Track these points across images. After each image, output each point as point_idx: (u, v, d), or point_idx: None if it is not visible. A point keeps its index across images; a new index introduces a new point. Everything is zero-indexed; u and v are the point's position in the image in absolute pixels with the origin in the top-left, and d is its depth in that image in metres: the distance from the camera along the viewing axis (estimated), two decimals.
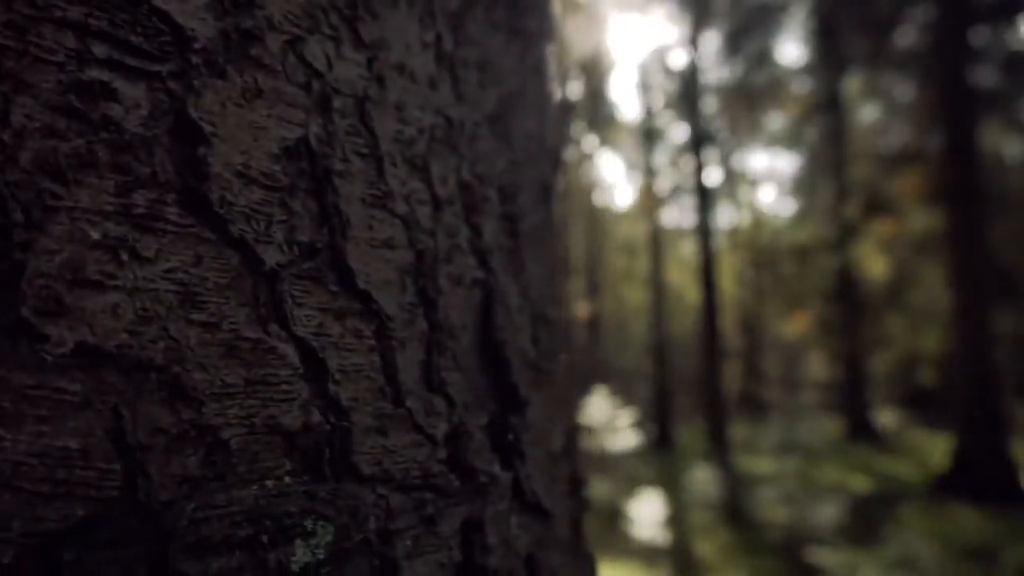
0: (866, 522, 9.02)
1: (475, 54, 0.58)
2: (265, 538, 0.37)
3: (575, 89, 24.94)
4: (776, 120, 22.36)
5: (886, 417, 18.78)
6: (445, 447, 0.49)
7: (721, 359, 14.21)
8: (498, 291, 0.56)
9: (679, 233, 26.34)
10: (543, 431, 0.60)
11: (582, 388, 16.97)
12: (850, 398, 17.98)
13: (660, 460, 14.60)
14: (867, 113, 19.95)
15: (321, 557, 0.38)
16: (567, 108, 24.36)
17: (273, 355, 0.40)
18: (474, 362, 0.53)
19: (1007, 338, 17.10)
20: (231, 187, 0.39)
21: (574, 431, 0.75)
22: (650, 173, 17.38)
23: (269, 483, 0.38)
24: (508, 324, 0.57)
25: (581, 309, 25.79)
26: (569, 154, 26.29)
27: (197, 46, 0.38)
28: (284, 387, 0.40)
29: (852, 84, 18.72)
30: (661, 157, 28.01)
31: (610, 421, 11.55)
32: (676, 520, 10.16)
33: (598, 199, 29.52)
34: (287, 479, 0.39)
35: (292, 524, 0.38)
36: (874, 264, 20.95)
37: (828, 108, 17.87)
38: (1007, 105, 14.82)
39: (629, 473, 13.09)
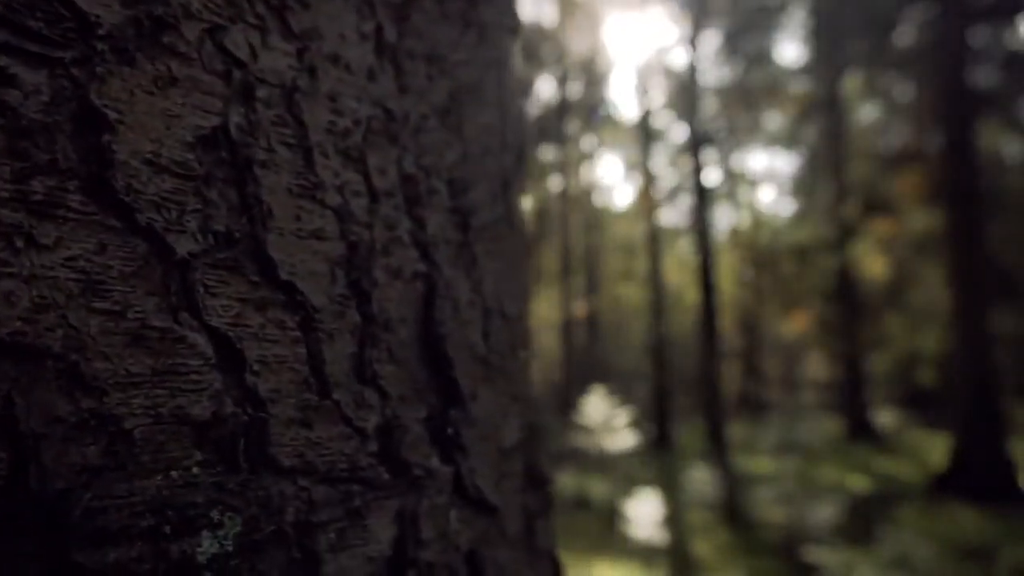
0: (864, 522, 9.01)
1: (422, 46, 0.58)
2: (168, 528, 0.36)
3: (574, 89, 24.95)
4: (775, 120, 22.34)
5: (886, 417, 18.76)
6: (376, 440, 0.48)
7: (720, 359, 14.19)
8: (441, 285, 0.56)
9: (678, 233, 26.34)
10: (492, 426, 0.59)
11: (581, 388, 16.95)
12: (849, 398, 17.97)
13: (659, 460, 14.59)
14: (866, 113, 19.96)
15: (230, 548, 0.38)
16: (566, 108, 24.36)
17: (183, 344, 0.39)
18: (414, 355, 0.53)
19: (1007, 338, 17.08)
20: (139, 175, 0.38)
21: (533, 427, 0.74)
22: (649, 173, 17.36)
23: (175, 473, 0.37)
24: (451, 318, 0.56)
25: (580, 309, 25.77)
26: (568, 154, 26.28)
27: (102, 32, 0.37)
28: (194, 377, 0.40)
29: (851, 84, 18.72)
30: (660, 157, 28.02)
31: (608, 421, 11.52)
32: (674, 520, 10.15)
33: (597, 199, 29.52)
34: (195, 470, 0.38)
35: (197, 515, 0.37)
36: (873, 264, 20.94)
37: (827, 108, 17.86)
38: (1006, 105, 14.79)
39: (627, 473, 13.07)
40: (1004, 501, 10.30)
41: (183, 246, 0.40)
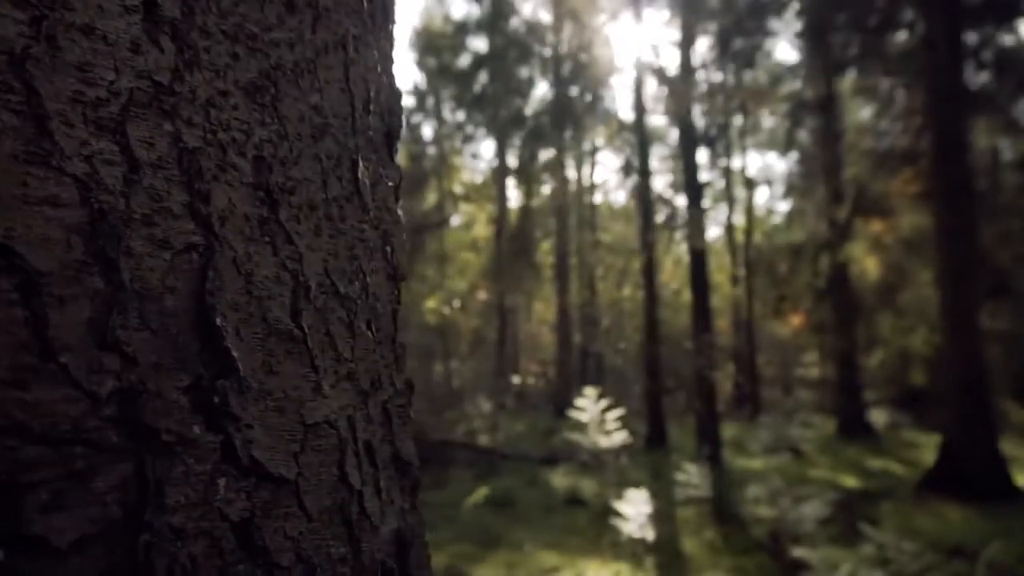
0: (852, 519, 9.02)
1: (226, 24, 0.59)
2: None
3: (571, 88, 24.98)
4: (770, 120, 22.36)
5: (879, 416, 18.78)
6: (114, 405, 0.49)
7: (713, 358, 14.20)
8: (224, 258, 0.57)
9: (675, 232, 26.34)
10: (295, 400, 0.60)
11: (578, 387, 16.95)
12: (843, 397, 17.99)
13: (652, 458, 14.62)
14: (859, 113, 19.96)
15: None
16: (563, 107, 24.38)
17: None
18: (182, 325, 0.53)
19: (1002, 336, 17.08)
20: None
21: (398, 410, 0.75)
22: (644, 173, 17.36)
23: None
24: (239, 292, 0.57)
25: (576, 308, 25.78)
26: (564, 153, 26.30)
27: None
28: None
29: (844, 84, 18.73)
30: (656, 157, 28.02)
31: (600, 420, 11.54)
32: (665, 517, 10.18)
33: (594, 198, 29.55)
34: None
35: None
36: (867, 264, 20.93)
37: (820, 108, 17.88)
38: (998, 104, 14.79)
39: (620, 471, 13.10)
40: (994, 499, 10.31)
41: None
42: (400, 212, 0.84)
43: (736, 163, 26.64)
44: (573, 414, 11.96)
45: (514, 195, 28.48)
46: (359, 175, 0.69)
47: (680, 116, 14.38)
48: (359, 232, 0.69)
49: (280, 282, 0.60)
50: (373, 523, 0.65)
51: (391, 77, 0.81)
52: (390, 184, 0.79)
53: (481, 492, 10.90)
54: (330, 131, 0.66)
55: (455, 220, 31.17)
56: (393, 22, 0.82)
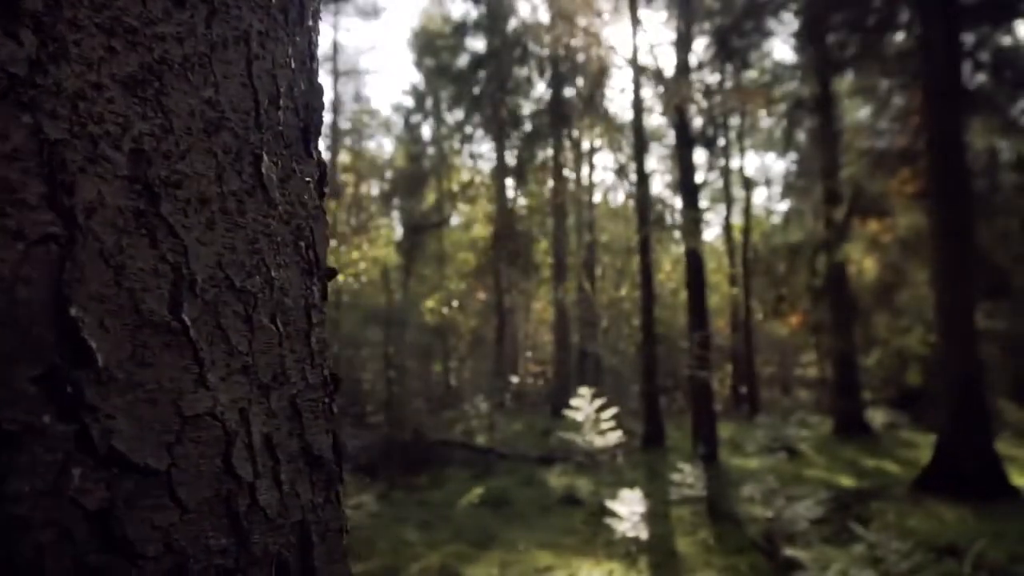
0: (845, 518, 9.02)
1: (100, 18, 0.60)
2: None
3: (569, 88, 24.97)
4: (768, 120, 22.34)
5: (877, 416, 18.76)
6: None
7: (708, 358, 14.20)
8: (86, 249, 0.57)
9: (674, 232, 26.32)
10: (170, 392, 0.60)
11: (575, 387, 16.93)
12: (841, 397, 17.98)
13: (649, 458, 14.62)
14: (857, 113, 19.94)
15: None
16: (560, 106, 24.36)
17: None
18: (36, 315, 0.54)
19: (1000, 336, 17.05)
20: None
21: (309, 404, 0.75)
22: (641, 173, 17.36)
23: None
24: (106, 283, 0.57)
25: (574, 308, 25.76)
26: (563, 152, 26.27)
27: None
28: None
29: (842, 84, 18.71)
30: (655, 156, 27.99)
31: (595, 420, 11.56)
32: (660, 517, 10.18)
33: (592, 198, 29.52)
34: None
35: None
36: (865, 264, 20.91)
37: (817, 108, 17.86)
38: (996, 104, 14.76)
39: (616, 471, 13.11)
40: (989, 498, 10.30)
41: None
42: (320, 206, 0.85)
43: (735, 163, 26.64)
44: (568, 414, 11.98)
45: (513, 195, 28.46)
46: (263, 170, 0.70)
47: (675, 116, 14.37)
48: (263, 226, 0.70)
49: (158, 274, 0.61)
50: (269, 515, 0.66)
51: (310, 73, 0.82)
52: (307, 180, 0.80)
53: (476, 492, 10.91)
54: (227, 125, 0.67)
55: (454, 220, 31.18)
56: (312, 19, 0.83)
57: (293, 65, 0.77)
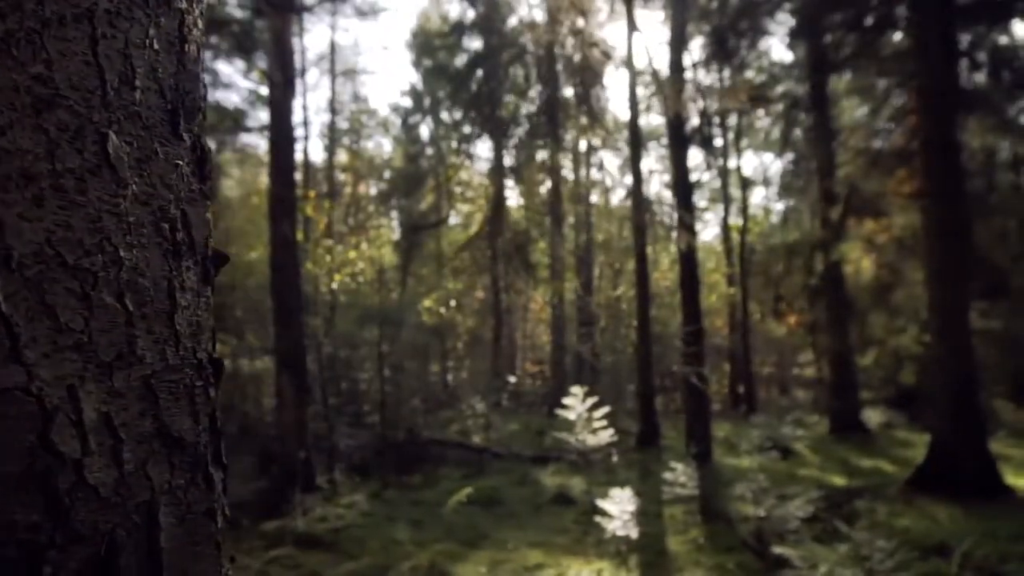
0: (836, 518, 9.02)
1: None
2: None
3: (567, 89, 24.97)
4: (765, 120, 22.33)
5: (874, 415, 18.74)
6: None
7: (703, 357, 14.19)
8: None
9: (672, 232, 26.32)
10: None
11: (569, 387, 16.90)
12: (837, 396, 17.96)
13: (643, 457, 14.62)
14: (855, 112, 19.92)
15: None
16: (557, 106, 24.38)
17: None
18: None
19: (997, 336, 17.03)
20: None
21: (162, 389, 0.75)
22: (637, 172, 17.36)
23: None
24: None
25: (571, 307, 25.76)
26: (560, 152, 26.28)
27: None
28: None
29: (840, 83, 18.69)
30: (653, 156, 28.02)
31: (588, 419, 11.55)
32: (652, 516, 10.18)
33: (591, 198, 29.52)
34: None
35: None
36: (862, 263, 20.90)
37: (813, 107, 17.85)
38: (992, 104, 14.73)
39: (610, 470, 13.10)
40: (982, 498, 10.28)
41: None
42: (200, 190, 0.85)
43: (733, 163, 26.62)
44: (561, 413, 11.98)
45: (511, 194, 28.47)
46: (110, 149, 0.70)
47: (669, 116, 14.36)
48: (110, 206, 0.70)
49: None
50: (102, 494, 0.65)
51: (182, 55, 0.82)
52: (176, 162, 0.79)
53: (468, 491, 10.91)
54: (64, 103, 0.66)
55: (452, 219, 31.18)
56: (186, 1, 0.83)
57: (156, 46, 0.77)
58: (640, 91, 18.99)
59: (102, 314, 0.68)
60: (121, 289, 0.70)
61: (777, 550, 7.76)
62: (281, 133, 12.45)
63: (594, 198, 30.11)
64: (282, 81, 12.12)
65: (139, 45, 0.75)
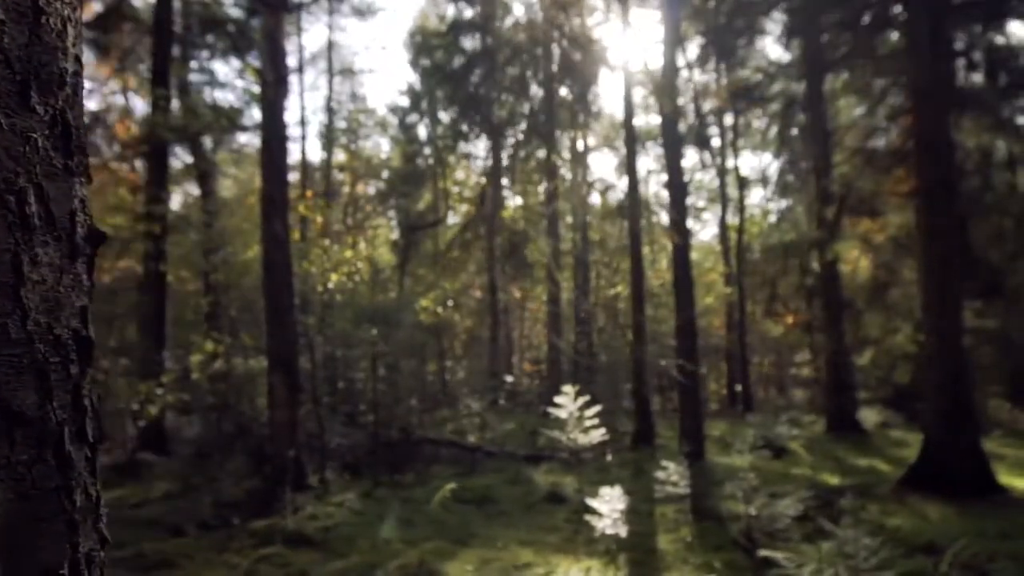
0: (826, 516, 8.99)
1: None
2: None
3: (563, 89, 24.97)
4: (762, 120, 22.27)
5: (870, 414, 18.72)
6: None
7: (697, 357, 14.16)
8: None
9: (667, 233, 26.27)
10: None
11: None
12: (833, 395, 17.94)
13: (637, 456, 14.61)
14: (851, 111, 19.89)
15: None
16: (555, 106, 24.37)
17: None
18: None
19: (993, 335, 16.99)
20: None
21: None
22: (632, 172, 17.34)
23: None
24: None
25: (568, 307, 25.74)
26: (558, 152, 26.27)
27: None
28: None
29: (836, 82, 18.66)
30: (651, 155, 27.97)
31: (580, 418, 11.52)
32: (643, 515, 10.17)
33: (589, 199, 29.47)
34: None
35: None
36: (859, 262, 20.86)
37: (809, 106, 17.82)
38: (987, 103, 14.70)
39: (603, 469, 13.09)
40: (974, 496, 10.26)
41: None
42: (62, 165, 0.84)
43: (730, 163, 26.57)
44: (553, 412, 11.95)
45: (508, 194, 28.46)
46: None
47: (664, 115, 14.35)
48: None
49: None
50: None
51: (36, 27, 0.81)
52: (28, 134, 0.78)
53: (460, 489, 10.90)
54: None
55: (450, 219, 31.16)
56: None
57: (2, 16, 0.76)
58: (635, 91, 18.97)
59: None
60: None
61: (765, 549, 7.75)
62: (273, 131, 12.44)
63: (592, 197, 30.08)
64: (274, 79, 12.12)
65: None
